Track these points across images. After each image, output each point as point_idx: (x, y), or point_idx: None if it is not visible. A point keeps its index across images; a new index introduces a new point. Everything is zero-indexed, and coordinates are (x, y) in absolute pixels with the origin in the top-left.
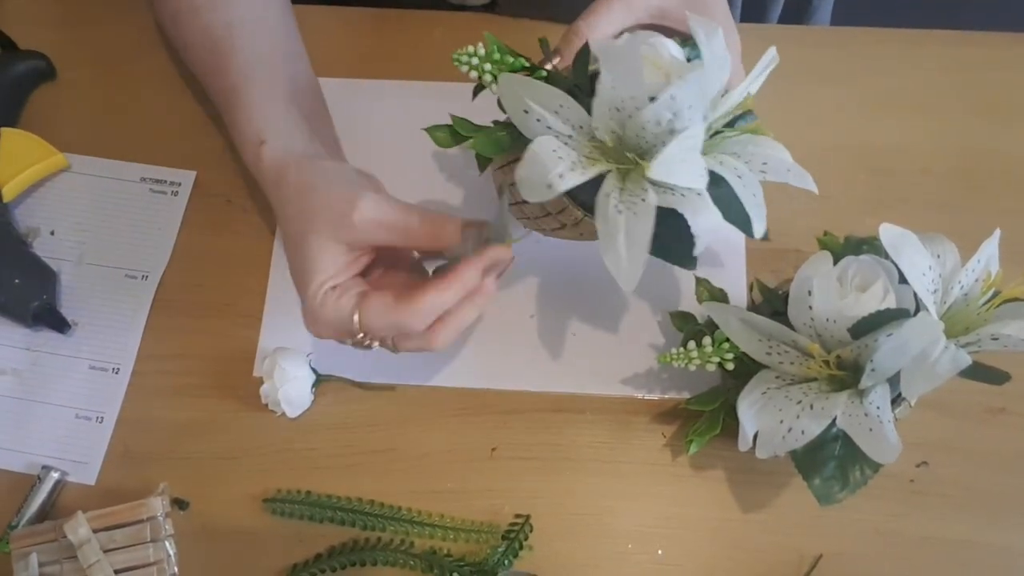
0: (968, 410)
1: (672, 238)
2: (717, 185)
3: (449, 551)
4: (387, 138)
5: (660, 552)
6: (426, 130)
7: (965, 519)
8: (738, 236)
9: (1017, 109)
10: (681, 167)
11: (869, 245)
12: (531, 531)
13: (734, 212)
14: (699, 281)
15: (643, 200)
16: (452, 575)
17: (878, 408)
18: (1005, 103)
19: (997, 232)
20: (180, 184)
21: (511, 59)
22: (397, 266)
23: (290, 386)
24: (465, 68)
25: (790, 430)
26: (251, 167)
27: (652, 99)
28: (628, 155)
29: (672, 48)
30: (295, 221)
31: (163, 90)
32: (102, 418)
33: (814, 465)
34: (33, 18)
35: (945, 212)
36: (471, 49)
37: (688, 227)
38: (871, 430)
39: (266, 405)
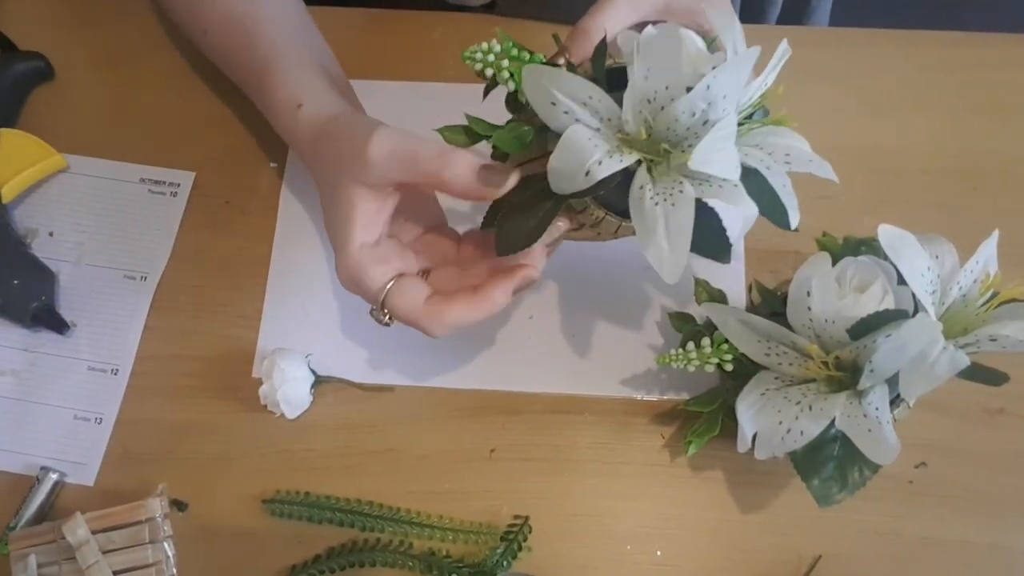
0: (967, 411)
1: (705, 232)
2: (746, 177)
3: (448, 552)
4: None
5: (659, 553)
6: (439, 131)
7: (964, 520)
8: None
9: (1016, 109)
10: (718, 157)
11: (868, 246)
12: (530, 532)
13: (766, 204)
14: (698, 282)
15: (680, 191)
16: (450, 572)
17: (877, 409)
18: (1004, 103)
19: (996, 233)
20: (179, 185)
21: (528, 55)
22: (423, 220)
23: (289, 387)
24: (479, 66)
25: (789, 431)
26: (287, 132)
27: (688, 89)
28: (662, 147)
29: (698, 41)
30: (328, 172)
31: (162, 91)
32: (101, 419)
33: (813, 466)
34: (32, 18)
35: (944, 213)
36: (485, 46)
37: (720, 220)
38: (870, 431)
39: (265, 406)
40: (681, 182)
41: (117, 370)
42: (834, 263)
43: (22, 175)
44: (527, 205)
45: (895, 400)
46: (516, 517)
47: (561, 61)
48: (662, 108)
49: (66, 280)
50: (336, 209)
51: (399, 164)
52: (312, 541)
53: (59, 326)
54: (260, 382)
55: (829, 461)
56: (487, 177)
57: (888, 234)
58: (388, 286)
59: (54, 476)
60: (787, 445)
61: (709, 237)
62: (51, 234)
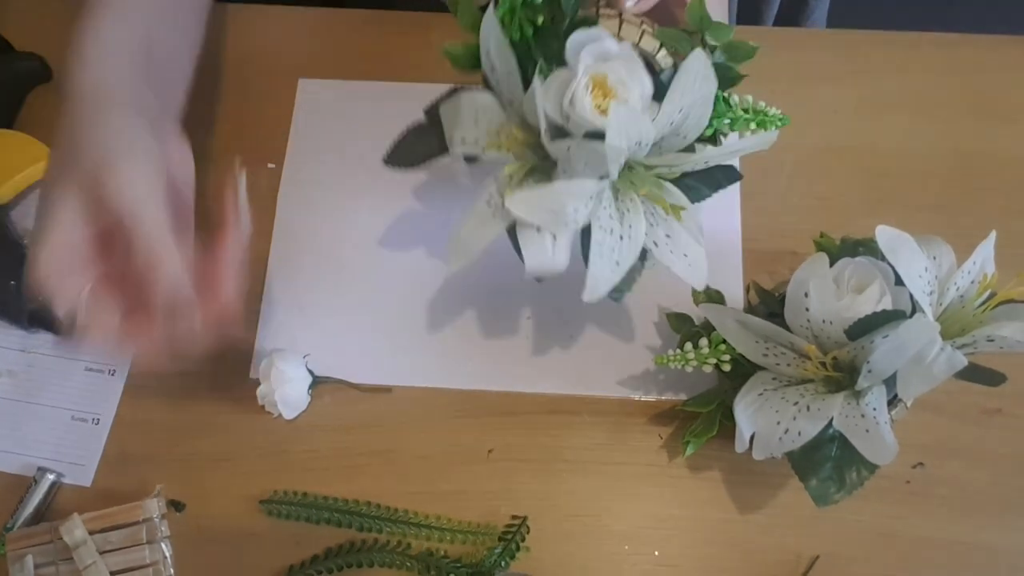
0: (964, 411)
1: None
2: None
3: (446, 552)
4: (384, 140)
5: (657, 553)
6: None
7: (961, 520)
8: (735, 237)
9: (1013, 110)
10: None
11: (865, 247)
12: (528, 532)
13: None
14: None
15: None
16: (447, 572)
17: (874, 409)
18: (1001, 105)
19: (993, 234)
20: None
21: None
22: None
23: (287, 387)
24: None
25: (787, 431)
26: (70, 69)
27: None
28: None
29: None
30: (59, 158)
31: None
32: (98, 420)
33: (811, 466)
34: (29, 19)
35: (941, 214)
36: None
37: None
38: (867, 431)
39: (263, 407)
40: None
41: (114, 371)
42: (832, 264)
43: (19, 176)
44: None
45: (893, 400)
46: (514, 517)
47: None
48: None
49: None
50: (53, 195)
51: (127, 219)
52: (310, 542)
53: (56, 327)
54: (258, 383)
55: (827, 461)
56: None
57: (886, 235)
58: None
59: (51, 477)
60: (785, 445)
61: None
62: None
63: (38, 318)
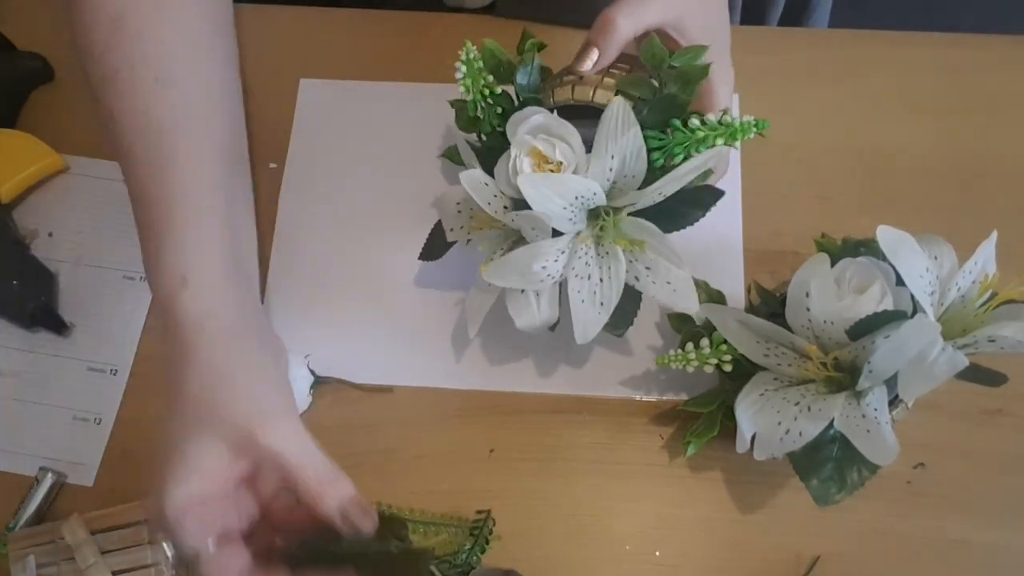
0: (965, 412)
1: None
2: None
3: (419, 544)
4: (385, 140)
5: (658, 553)
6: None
7: (962, 520)
8: (736, 238)
9: (1014, 111)
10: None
11: (867, 247)
12: (494, 525)
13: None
14: (697, 283)
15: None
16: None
17: (875, 410)
18: (1002, 104)
19: (994, 234)
20: None
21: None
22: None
23: None
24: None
25: (788, 431)
26: (161, 303)
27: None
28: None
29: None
30: (193, 400)
31: None
32: (100, 419)
33: (812, 466)
34: (31, 19)
35: (942, 214)
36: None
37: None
38: (869, 431)
39: None
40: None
41: (116, 370)
42: (833, 264)
43: (21, 176)
44: None
45: (894, 401)
46: (479, 512)
47: (589, 63)
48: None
49: (65, 281)
50: (187, 443)
51: (277, 471)
52: None
53: (58, 326)
54: None
55: (828, 461)
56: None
57: (887, 235)
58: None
59: (53, 476)
60: (786, 446)
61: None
62: (50, 235)
63: (40, 318)
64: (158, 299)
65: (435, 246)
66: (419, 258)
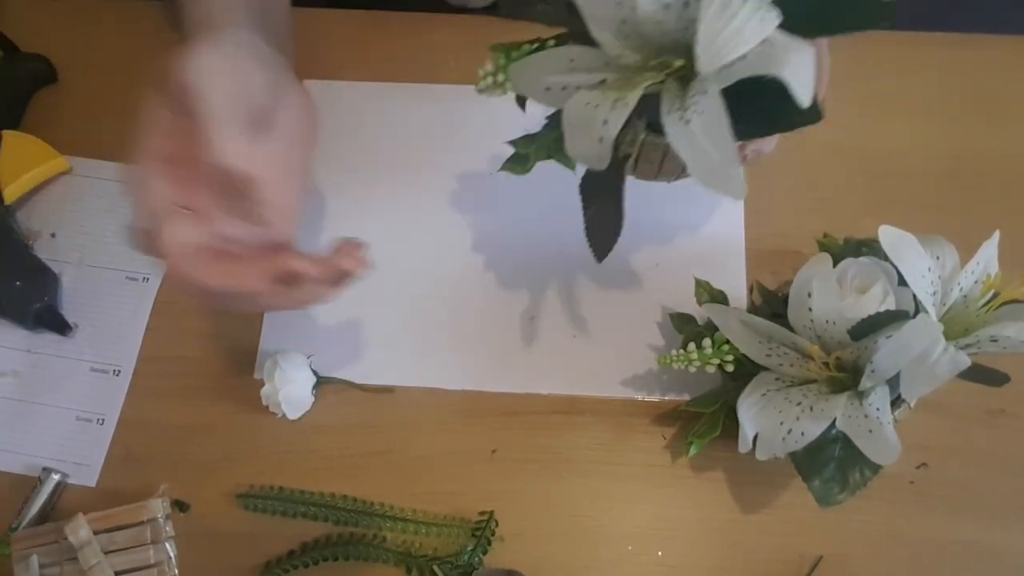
0: (967, 412)
1: (776, 105)
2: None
3: (421, 544)
4: (388, 140)
5: (660, 553)
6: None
7: (965, 520)
8: (738, 238)
9: (1015, 111)
10: (728, 38)
11: (868, 247)
12: (496, 526)
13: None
14: (699, 283)
15: (704, 93)
16: (430, 566)
17: (878, 410)
18: (1004, 105)
19: (996, 234)
20: None
21: (515, 53)
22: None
23: (291, 388)
24: (490, 92)
25: (790, 432)
26: (188, 16)
27: None
28: (667, 60)
29: None
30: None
31: None
32: (103, 420)
33: (814, 466)
34: (35, 21)
35: (944, 214)
36: (483, 71)
37: (779, 83)
38: (871, 431)
39: (267, 407)
40: (704, 84)
41: (119, 371)
42: (835, 264)
43: (25, 177)
44: (599, 196)
45: (896, 401)
46: (481, 513)
47: None
48: (627, 21)
49: (68, 281)
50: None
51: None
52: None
53: (61, 327)
54: (262, 383)
55: (830, 462)
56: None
57: (889, 235)
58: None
59: (56, 477)
60: (788, 446)
61: (783, 107)
62: (53, 235)
63: (43, 318)
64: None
65: (604, 235)
66: (598, 260)
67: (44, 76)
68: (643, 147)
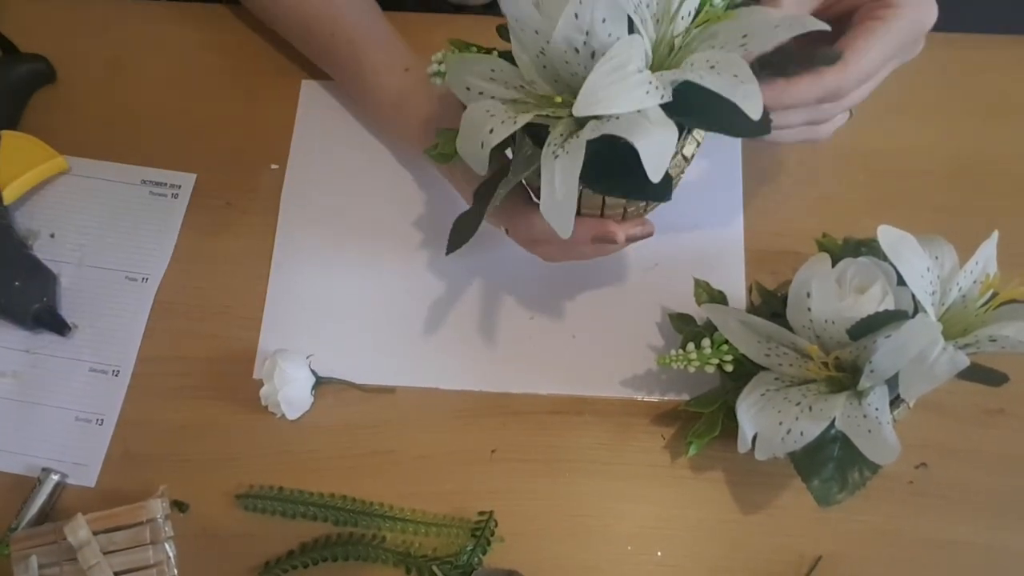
0: (966, 412)
1: (640, 175)
2: (682, 95)
3: (420, 544)
4: (387, 141)
5: (660, 553)
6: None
7: (964, 520)
8: (737, 238)
9: (1015, 111)
10: (609, 94)
11: (867, 247)
12: (496, 526)
13: (712, 115)
14: (698, 283)
15: (576, 138)
16: (429, 567)
17: (877, 409)
18: (1003, 105)
19: (995, 234)
20: (180, 187)
21: (464, 52)
22: None
23: (290, 388)
24: (437, 78)
25: (789, 431)
26: (392, 92)
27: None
28: (563, 99)
29: None
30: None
31: (163, 93)
32: (102, 420)
33: (813, 466)
34: (33, 21)
35: (943, 214)
36: (434, 58)
37: (636, 158)
38: (870, 431)
39: (266, 407)
40: (578, 131)
41: (118, 371)
42: (834, 264)
43: (24, 177)
44: (479, 201)
45: (895, 401)
46: (481, 513)
47: None
48: (545, 54)
49: (67, 281)
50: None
51: None
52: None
53: (60, 327)
54: (261, 383)
55: (829, 462)
56: None
57: (888, 235)
58: None
59: (55, 477)
60: (787, 446)
61: (637, 177)
62: (52, 236)
63: (42, 318)
64: (392, 90)
65: (461, 231)
66: (447, 252)
67: (43, 76)
68: (581, 194)
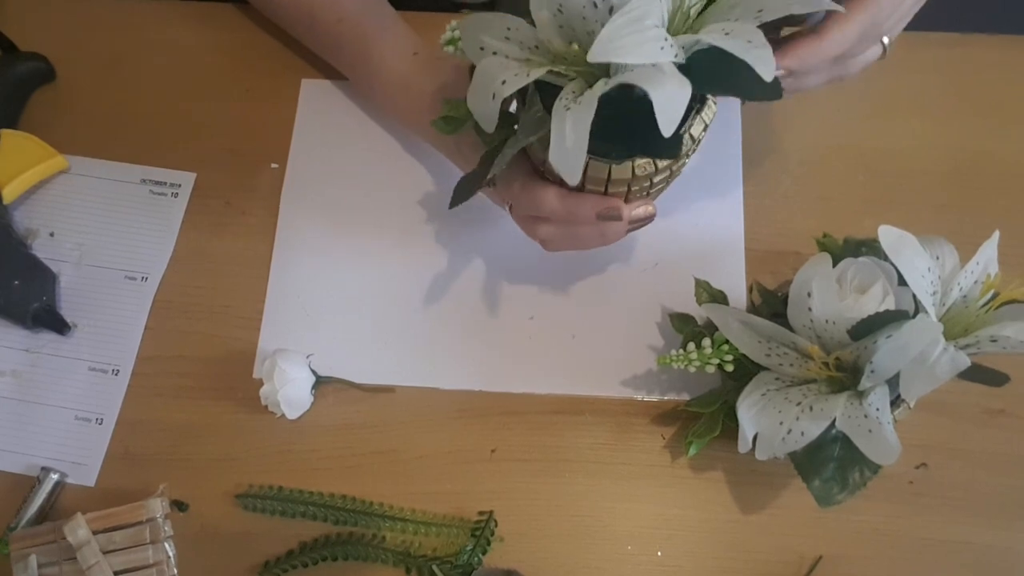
0: (967, 412)
1: (646, 129)
2: (699, 56)
3: (420, 544)
4: (386, 141)
5: (660, 553)
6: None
7: (964, 520)
8: (737, 238)
9: (1015, 111)
10: (625, 44)
11: (868, 247)
12: (496, 526)
13: (726, 78)
14: (698, 283)
15: (589, 88)
16: (429, 566)
17: (877, 410)
18: (1004, 105)
19: (996, 234)
20: (180, 186)
21: None
22: None
23: (290, 388)
24: (451, 49)
25: (789, 432)
26: (401, 75)
27: None
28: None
29: None
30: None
31: (163, 92)
32: (101, 419)
33: (813, 467)
34: (33, 20)
35: (944, 214)
36: (448, 27)
37: (650, 112)
38: (870, 431)
39: (266, 407)
40: (592, 81)
41: (118, 370)
42: (835, 264)
43: (23, 176)
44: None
45: (896, 401)
46: (481, 513)
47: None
48: (562, 11)
49: (67, 281)
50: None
51: None
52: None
53: (60, 326)
54: (261, 383)
55: (830, 462)
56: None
57: (888, 235)
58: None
59: (55, 476)
60: (788, 446)
61: (649, 133)
62: (52, 235)
63: (41, 317)
64: (401, 75)
65: (465, 188)
66: (450, 206)
67: (42, 75)
68: (588, 167)
